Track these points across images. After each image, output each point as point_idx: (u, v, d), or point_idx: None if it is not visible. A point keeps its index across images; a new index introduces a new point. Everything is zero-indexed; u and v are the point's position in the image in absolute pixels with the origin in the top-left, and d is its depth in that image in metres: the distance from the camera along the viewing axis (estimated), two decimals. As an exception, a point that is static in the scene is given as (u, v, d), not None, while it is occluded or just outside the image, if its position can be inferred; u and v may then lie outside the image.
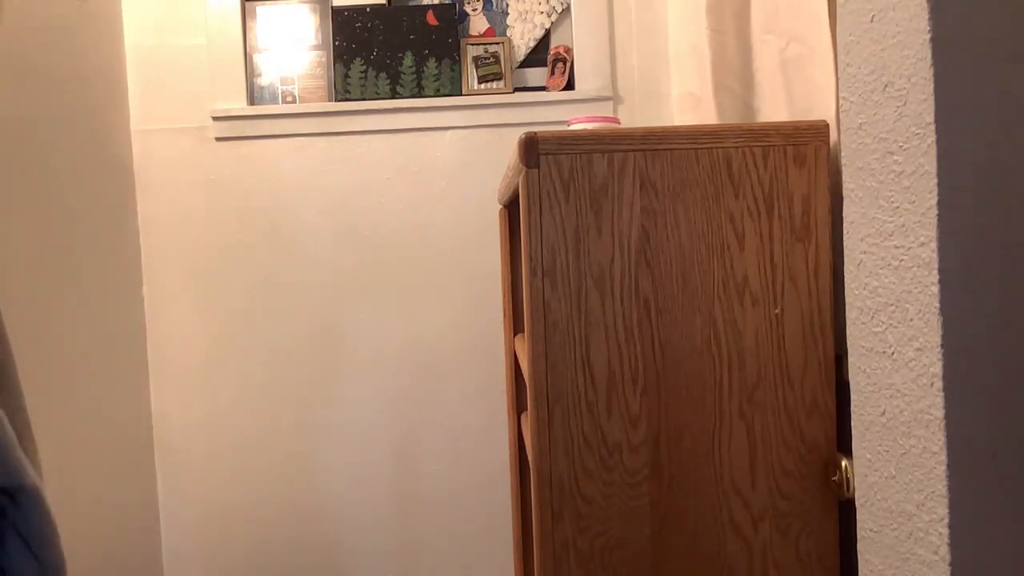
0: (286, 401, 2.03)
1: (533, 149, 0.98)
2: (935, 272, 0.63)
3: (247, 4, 2.03)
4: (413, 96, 1.99)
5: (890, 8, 0.67)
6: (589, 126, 1.31)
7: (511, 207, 1.65)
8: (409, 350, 2.02)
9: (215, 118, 2.00)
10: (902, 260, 0.67)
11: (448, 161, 2.00)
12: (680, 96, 1.46)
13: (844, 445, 0.99)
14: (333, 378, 2.02)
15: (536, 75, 2.03)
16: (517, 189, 1.08)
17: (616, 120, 1.42)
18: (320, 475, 2.03)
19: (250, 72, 2.03)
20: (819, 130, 0.99)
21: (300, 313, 2.01)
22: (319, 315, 2.02)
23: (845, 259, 0.78)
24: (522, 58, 2.03)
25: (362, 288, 2.02)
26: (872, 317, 0.73)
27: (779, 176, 0.99)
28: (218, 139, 2.01)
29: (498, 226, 1.82)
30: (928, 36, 0.62)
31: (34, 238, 1.59)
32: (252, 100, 2.03)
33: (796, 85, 1.11)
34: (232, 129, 2.00)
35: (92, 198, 1.84)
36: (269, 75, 2.03)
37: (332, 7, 2.01)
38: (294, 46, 2.03)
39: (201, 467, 2.04)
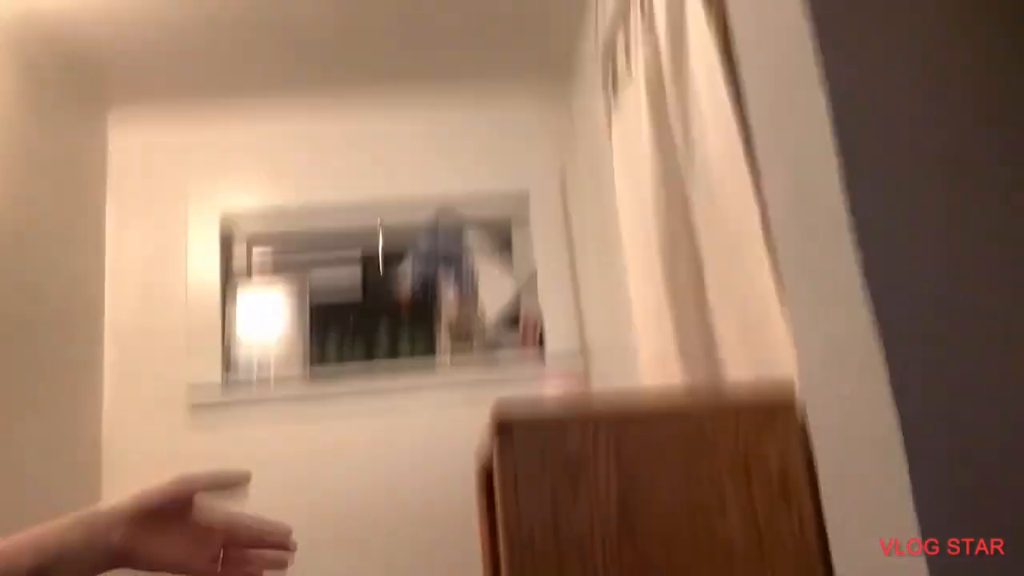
0: None
1: (506, 426, 0.99)
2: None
3: (228, 286, 2.13)
4: (388, 357, 2.04)
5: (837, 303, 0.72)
6: (560, 386, 1.34)
7: (489, 470, 1.62)
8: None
9: (193, 405, 2.02)
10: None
11: (424, 423, 2.00)
12: (646, 357, 1.51)
13: None
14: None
15: (508, 337, 2.09)
16: (491, 458, 1.07)
17: (586, 378, 1.45)
18: None
19: (228, 345, 2.08)
20: (785, 390, 1.01)
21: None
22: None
23: (827, 522, 0.77)
24: (494, 322, 2.10)
25: (339, 559, 1.92)
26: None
27: (750, 439, 1.00)
28: (194, 416, 2.01)
29: (475, 490, 1.78)
30: (874, 324, 0.66)
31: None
32: (228, 368, 2.06)
33: (757, 344, 1.15)
34: (209, 412, 2.02)
35: (60, 478, 1.78)
36: (247, 350, 2.09)
37: (309, 301, 2.14)
38: (272, 327, 2.12)
39: None
